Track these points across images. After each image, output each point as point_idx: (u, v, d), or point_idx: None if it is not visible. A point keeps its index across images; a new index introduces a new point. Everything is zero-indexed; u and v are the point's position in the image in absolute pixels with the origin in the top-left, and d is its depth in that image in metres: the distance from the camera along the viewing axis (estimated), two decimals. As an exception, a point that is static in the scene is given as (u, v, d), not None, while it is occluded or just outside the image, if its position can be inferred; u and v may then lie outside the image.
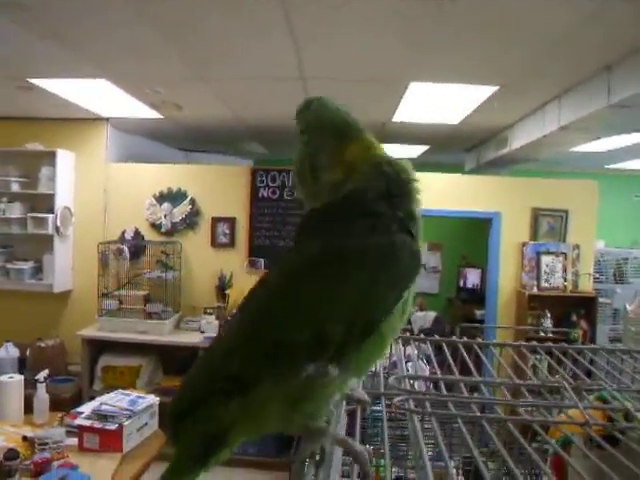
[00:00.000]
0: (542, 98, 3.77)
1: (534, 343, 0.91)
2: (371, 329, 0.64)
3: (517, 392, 0.75)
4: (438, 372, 0.79)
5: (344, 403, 0.74)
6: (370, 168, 0.73)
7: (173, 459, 0.69)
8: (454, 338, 0.89)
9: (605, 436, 0.69)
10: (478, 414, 0.61)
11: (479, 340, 0.89)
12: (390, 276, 0.66)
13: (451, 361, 0.82)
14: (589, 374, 0.98)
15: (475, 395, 0.72)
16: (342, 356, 0.63)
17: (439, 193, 5.08)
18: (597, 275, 5.43)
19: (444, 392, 0.67)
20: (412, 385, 0.74)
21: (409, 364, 1.12)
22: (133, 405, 2.75)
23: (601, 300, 5.17)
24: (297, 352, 0.63)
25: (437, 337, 0.90)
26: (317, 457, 0.64)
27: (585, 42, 2.65)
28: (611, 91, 2.95)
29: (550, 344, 0.92)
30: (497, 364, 0.91)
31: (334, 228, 0.69)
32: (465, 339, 0.90)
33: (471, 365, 0.80)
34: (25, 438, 2.50)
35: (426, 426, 0.83)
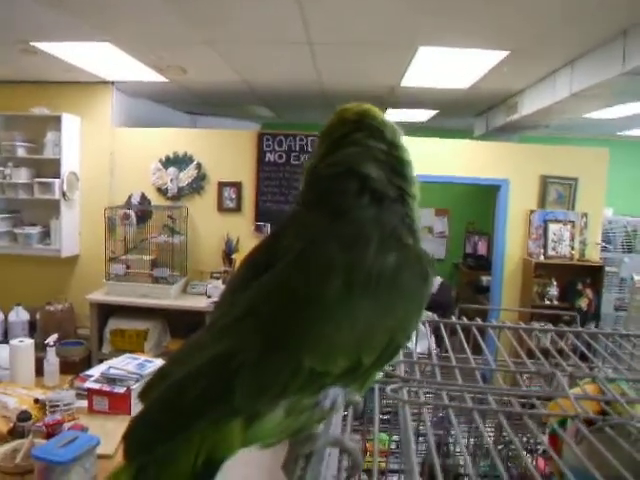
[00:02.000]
0: (554, 64, 3.69)
1: (533, 324, 0.91)
2: (397, 352, 0.62)
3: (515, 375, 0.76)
4: (433, 354, 0.80)
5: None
6: (357, 125, 0.68)
7: None
8: (453, 319, 0.89)
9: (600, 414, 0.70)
10: (470, 405, 0.61)
11: (478, 321, 0.90)
12: (422, 299, 0.62)
13: (448, 345, 0.83)
14: (592, 351, 0.98)
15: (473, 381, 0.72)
16: (363, 379, 0.60)
17: (447, 159, 5.03)
18: (605, 244, 5.40)
19: (439, 378, 0.68)
20: (409, 370, 0.75)
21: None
22: (141, 369, 2.79)
23: (608, 269, 5.15)
24: (326, 381, 0.57)
25: (436, 317, 0.90)
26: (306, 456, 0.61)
27: (601, 4, 2.57)
28: (626, 57, 2.88)
29: (550, 326, 0.92)
30: (498, 345, 0.91)
31: (359, 228, 0.62)
32: (464, 319, 0.90)
33: (467, 349, 0.80)
34: (37, 400, 2.55)
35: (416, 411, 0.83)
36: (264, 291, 0.60)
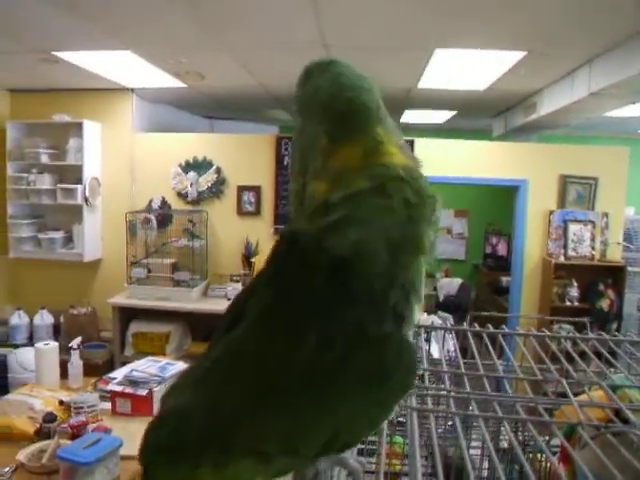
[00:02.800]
0: (572, 63, 3.66)
1: (544, 331, 0.92)
2: (347, 448, 0.55)
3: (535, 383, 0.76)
4: (443, 361, 0.81)
5: None
6: (364, 182, 0.52)
7: None
8: (465, 326, 0.91)
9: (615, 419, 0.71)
10: (476, 412, 0.63)
11: (490, 328, 0.91)
12: (384, 393, 0.51)
13: (458, 352, 0.84)
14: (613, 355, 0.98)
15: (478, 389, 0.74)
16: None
17: (466, 160, 5.02)
18: (626, 243, 5.33)
19: (448, 385, 0.69)
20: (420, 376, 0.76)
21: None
22: (162, 371, 2.83)
23: (630, 269, 5.09)
24: (267, 456, 0.53)
25: (450, 325, 0.92)
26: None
27: (619, 4, 2.55)
28: (645, 56, 2.85)
29: (562, 332, 0.93)
30: (507, 352, 0.92)
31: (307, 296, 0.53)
32: (476, 326, 0.91)
33: (477, 355, 0.82)
34: (61, 402, 2.60)
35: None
36: (220, 356, 0.59)
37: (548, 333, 0.90)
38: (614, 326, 4.67)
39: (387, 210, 0.51)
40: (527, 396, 0.69)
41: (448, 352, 1.25)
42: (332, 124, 0.53)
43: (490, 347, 0.83)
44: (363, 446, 1.22)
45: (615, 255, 4.90)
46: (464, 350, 0.87)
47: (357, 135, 0.53)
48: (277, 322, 0.54)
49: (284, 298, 0.55)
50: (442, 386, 0.71)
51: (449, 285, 6.89)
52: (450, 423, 1.12)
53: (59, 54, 3.64)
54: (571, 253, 4.80)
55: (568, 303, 4.78)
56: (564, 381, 0.68)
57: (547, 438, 1.13)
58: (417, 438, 0.56)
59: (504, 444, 1.19)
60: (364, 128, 0.53)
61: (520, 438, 1.16)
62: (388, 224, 0.51)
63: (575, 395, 0.83)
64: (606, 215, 4.85)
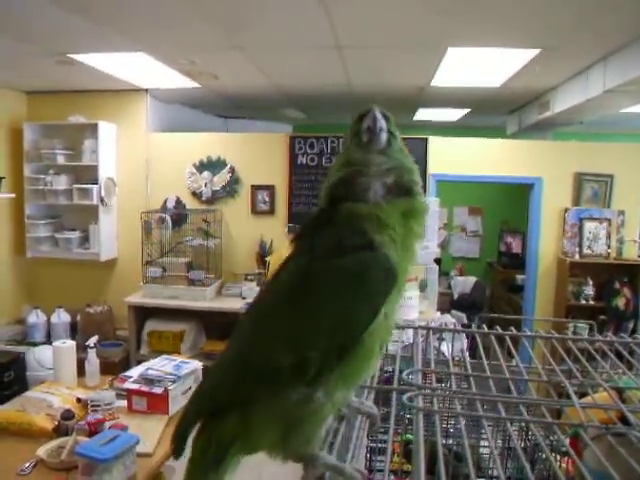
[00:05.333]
0: (586, 61, 3.63)
1: (552, 333, 0.93)
2: (346, 351, 0.64)
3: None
4: (450, 362, 0.82)
5: (356, 417, 0.76)
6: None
7: (186, 472, 0.71)
8: (473, 327, 0.92)
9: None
10: (481, 413, 0.64)
11: (498, 330, 0.91)
12: (360, 296, 0.65)
13: (465, 353, 0.85)
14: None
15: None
16: (322, 377, 0.64)
17: (480, 158, 5.00)
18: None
19: (454, 386, 0.70)
20: (426, 379, 0.78)
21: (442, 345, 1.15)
22: (178, 370, 2.87)
23: (646, 267, 5.04)
24: (279, 375, 0.64)
25: (457, 327, 0.93)
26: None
27: (633, 1, 2.53)
28: (660, 52, 2.83)
29: (569, 334, 0.93)
30: (513, 353, 0.93)
31: (313, 243, 0.70)
32: (485, 328, 0.92)
33: (484, 357, 0.82)
34: (79, 400, 2.65)
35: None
36: (242, 318, 0.76)
37: (556, 335, 0.91)
38: (630, 325, 4.63)
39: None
40: (531, 397, 0.71)
41: (461, 351, 1.26)
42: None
43: (497, 348, 0.84)
44: (374, 444, 1.24)
45: (631, 253, 4.85)
46: (485, 348, 0.90)
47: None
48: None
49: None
50: (449, 386, 0.73)
51: (463, 283, 6.85)
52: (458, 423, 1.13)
53: (74, 56, 3.69)
54: (586, 251, 4.76)
55: (583, 301, 4.75)
56: (567, 383, 0.68)
57: (556, 438, 1.13)
58: (422, 437, 0.58)
59: (520, 443, 1.20)
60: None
61: (531, 437, 1.17)
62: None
63: (584, 396, 0.84)
64: (622, 213, 4.81)
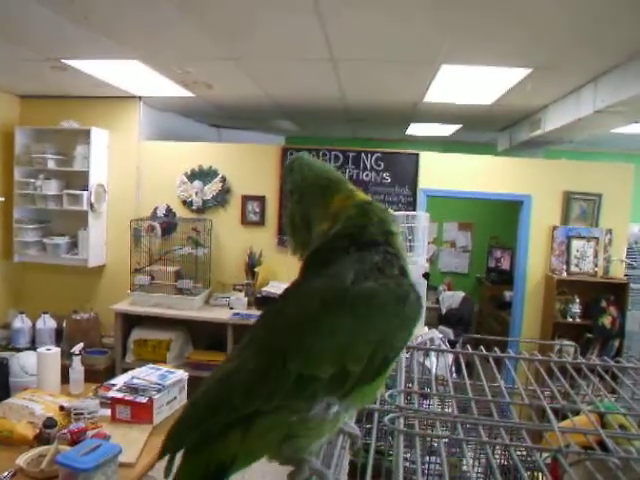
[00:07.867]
0: (577, 81, 3.68)
1: (535, 355, 0.93)
2: (386, 365, 0.69)
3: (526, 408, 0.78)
4: (433, 382, 0.83)
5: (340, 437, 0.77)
6: (356, 209, 0.80)
7: None
8: (457, 347, 0.92)
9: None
10: (461, 436, 0.64)
11: (482, 351, 0.92)
12: (404, 318, 0.70)
13: (448, 374, 0.86)
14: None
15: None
16: (353, 392, 0.67)
17: (470, 174, 5.04)
18: (630, 261, 5.33)
19: (435, 406, 0.70)
20: (408, 398, 0.78)
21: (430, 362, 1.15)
22: (163, 379, 2.84)
23: (633, 286, 5.08)
24: (315, 387, 0.66)
25: (445, 341, 0.93)
26: None
27: (624, 23, 2.57)
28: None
29: (553, 357, 0.94)
30: (496, 374, 0.93)
31: (342, 267, 0.73)
32: (469, 349, 0.92)
33: (466, 377, 0.83)
34: (62, 408, 2.62)
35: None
36: (261, 319, 0.78)
37: (539, 357, 0.91)
38: (616, 343, 4.66)
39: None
40: (511, 421, 0.71)
41: (446, 368, 1.27)
42: (323, 190, 0.83)
43: (480, 370, 0.85)
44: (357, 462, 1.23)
45: (618, 272, 4.89)
46: (470, 365, 0.91)
47: (339, 190, 0.83)
48: (316, 281, 0.75)
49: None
50: (432, 404, 0.73)
51: (451, 298, 6.87)
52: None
53: (69, 62, 3.69)
54: (574, 269, 4.80)
55: (570, 319, 4.77)
56: (548, 408, 0.69)
57: (538, 458, 1.14)
58: (402, 458, 0.58)
59: (502, 461, 1.20)
60: (341, 187, 0.84)
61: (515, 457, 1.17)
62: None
63: (566, 418, 0.84)
64: (610, 232, 4.85)
